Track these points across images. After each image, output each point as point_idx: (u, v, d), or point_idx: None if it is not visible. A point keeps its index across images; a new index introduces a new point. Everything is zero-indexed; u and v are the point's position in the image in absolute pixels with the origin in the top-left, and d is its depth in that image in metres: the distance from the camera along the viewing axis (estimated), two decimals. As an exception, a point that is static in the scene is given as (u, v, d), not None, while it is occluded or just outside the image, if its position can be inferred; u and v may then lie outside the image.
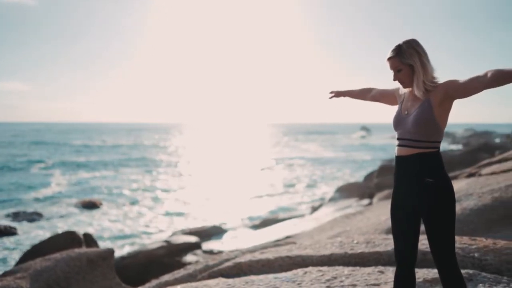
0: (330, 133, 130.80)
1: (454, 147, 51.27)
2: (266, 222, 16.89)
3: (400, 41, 2.54)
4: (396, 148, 2.59)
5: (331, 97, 3.23)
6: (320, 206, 18.53)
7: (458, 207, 6.32)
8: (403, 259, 2.60)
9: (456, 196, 2.60)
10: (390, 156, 39.53)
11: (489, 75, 2.22)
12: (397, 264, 2.64)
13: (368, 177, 22.41)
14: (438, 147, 2.50)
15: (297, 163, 45.11)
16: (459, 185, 7.88)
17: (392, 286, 2.87)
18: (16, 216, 19.00)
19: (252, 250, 6.03)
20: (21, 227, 17.49)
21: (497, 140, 48.40)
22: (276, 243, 6.76)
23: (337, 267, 4.13)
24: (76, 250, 7.15)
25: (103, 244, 13.72)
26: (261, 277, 4.21)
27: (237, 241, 13.86)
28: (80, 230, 11.35)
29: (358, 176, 31.26)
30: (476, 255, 3.95)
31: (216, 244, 13.88)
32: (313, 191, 27.22)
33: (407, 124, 2.52)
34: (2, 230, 16.17)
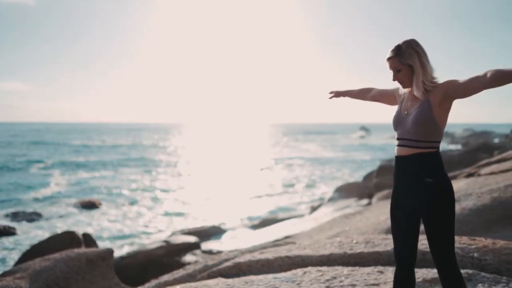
0: (329, 133, 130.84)
1: (453, 147, 51.29)
2: (265, 222, 16.89)
3: (399, 41, 2.55)
4: (396, 148, 2.59)
5: (330, 97, 3.24)
6: (319, 206, 18.53)
7: (457, 207, 6.32)
8: (403, 259, 2.60)
9: (455, 196, 2.60)
10: (389, 156, 39.57)
11: (488, 75, 2.22)
12: (396, 264, 2.64)
13: (367, 177, 22.42)
14: (438, 147, 2.50)
15: (297, 163, 45.11)
16: (458, 185, 7.89)
17: (392, 286, 2.87)
18: (15, 216, 18.99)
19: (251, 250, 6.03)
20: (20, 227, 17.47)
21: (496, 140, 48.43)
22: (276, 243, 6.76)
23: (336, 267, 4.13)
24: (75, 250, 7.14)
25: (102, 244, 13.71)
26: (260, 277, 4.21)
27: (236, 241, 13.86)
28: (79, 230, 11.34)
29: (357, 176, 31.27)
30: (475, 255, 3.95)
31: (215, 244, 13.88)
32: (312, 191, 27.23)
33: (406, 124, 2.52)
34: (1, 230, 16.16)
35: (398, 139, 2.59)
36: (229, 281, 4.23)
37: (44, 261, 6.61)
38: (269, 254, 4.89)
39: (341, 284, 3.69)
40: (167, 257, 11.72)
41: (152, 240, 14.86)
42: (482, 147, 25.07)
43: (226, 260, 5.46)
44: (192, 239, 13.21)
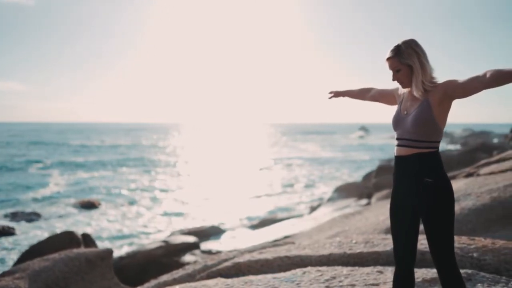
0: (328, 133, 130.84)
1: (452, 147, 51.32)
2: (264, 222, 16.89)
3: (399, 41, 2.55)
4: (396, 148, 2.59)
5: (330, 97, 3.24)
6: (318, 206, 18.52)
7: (456, 207, 6.32)
8: (402, 259, 2.60)
9: (455, 196, 2.60)
10: (388, 156, 39.59)
11: (488, 75, 2.22)
12: (396, 264, 2.64)
13: (367, 177, 22.43)
14: (437, 147, 2.50)
15: (296, 163, 45.11)
16: (457, 185, 7.90)
17: (391, 286, 2.87)
18: (14, 216, 18.97)
19: (250, 250, 6.02)
20: (20, 227, 17.45)
21: (495, 140, 48.46)
22: (275, 243, 6.75)
23: (336, 267, 4.13)
24: (75, 250, 7.14)
25: (101, 244, 13.70)
26: (260, 277, 4.21)
27: (235, 241, 13.86)
28: (79, 230, 11.33)
29: (357, 176, 31.28)
30: (474, 255, 3.95)
31: (214, 244, 13.88)
32: (311, 191, 27.22)
33: (406, 124, 2.52)
34: (0, 230, 16.15)
35: (397, 139, 2.59)
36: (229, 281, 4.23)
37: (43, 261, 6.60)
38: (269, 254, 4.89)
39: (341, 284, 3.69)
40: (166, 257, 11.71)
41: (151, 240, 14.86)
42: (481, 147, 25.08)
43: (226, 260, 5.46)
44: (191, 239, 13.20)
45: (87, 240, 9.87)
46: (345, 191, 19.02)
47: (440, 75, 2.51)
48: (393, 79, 2.58)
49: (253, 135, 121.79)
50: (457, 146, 49.67)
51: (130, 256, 11.54)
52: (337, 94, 3.20)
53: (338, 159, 49.54)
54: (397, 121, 2.60)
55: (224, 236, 15.45)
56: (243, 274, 4.61)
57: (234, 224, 17.67)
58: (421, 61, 2.48)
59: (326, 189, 26.63)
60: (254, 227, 16.72)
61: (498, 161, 10.39)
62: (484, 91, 2.31)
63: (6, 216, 19.14)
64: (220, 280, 4.37)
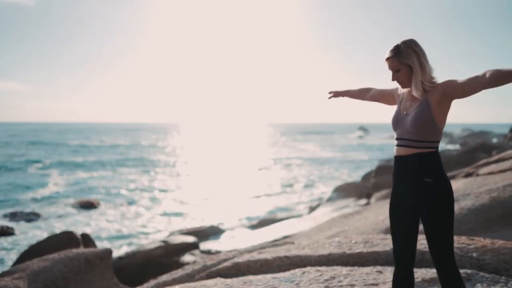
0: (328, 133, 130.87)
1: (451, 147, 51.35)
2: (264, 222, 16.88)
3: (399, 41, 2.55)
4: (395, 148, 2.59)
5: (329, 97, 3.24)
6: (318, 206, 18.52)
7: (456, 207, 6.32)
8: (402, 259, 2.60)
9: (454, 196, 2.60)
10: (387, 156, 39.62)
11: (487, 75, 2.22)
12: (395, 264, 2.64)
13: (366, 177, 22.44)
14: (437, 147, 2.50)
15: (295, 163, 45.12)
16: (456, 185, 7.90)
17: (391, 286, 2.87)
18: (13, 216, 18.95)
19: (250, 250, 6.02)
20: (19, 227, 17.44)
21: (495, 140, 48.48)
22: (274, 243, 6.75)
23: (335, 267, 4.13)
24: (74, 250, 7.13)
25: (100, 244, 13.70)
26: (259, 277, 4.21)
27: (235, 241, 13.86)
28: (78, 230, 11.32)
29: (356, 176, 31.29)
30: (474, 255, 3.96)
31: (214, 244, 13.88)
32: (311, 191, 27.23)
33: (405, 124, 2.52)
34: (-1, 230, 16.14)
35: (397, 139, 2.59)
36: (228, 281, 4.23)
37: (43, 261, 6.60)
38: (268, 254, 4.89)
39: (340, 284, 3.68)
40: (166, 257, 11.71)
41: (151, 240, 14.85)
42: (480, 147, 25.11)
43: (225, 260, 5.46)
44: (190, 239, 13.20)
45: (86, 240, 9.87)
46: (344, 191, 19.02)
47: (440, 75, 2.50)
48: (393, 79, 2.58)
49: (252, 135, 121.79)
50: (457, 146, 49.70)
51: (130, 256, 11.54)
52: (336, 94, 3.20)
53: (338, 159, 49.55)
54: (397, 121, 2.60)
55: (223, 236, 15.45)
56: (243, 274, 4.61)
57: (233, 224, 17.67)
58: (421, 61, 2.48)
59: (325, 189, 26.63)
60: (253, 227, 16.72)
61: (497, 161, 10.41)
62: (483, 91, 2.31)
63: (5, 216, 19.12)
64: (219, 280, 4.36)
